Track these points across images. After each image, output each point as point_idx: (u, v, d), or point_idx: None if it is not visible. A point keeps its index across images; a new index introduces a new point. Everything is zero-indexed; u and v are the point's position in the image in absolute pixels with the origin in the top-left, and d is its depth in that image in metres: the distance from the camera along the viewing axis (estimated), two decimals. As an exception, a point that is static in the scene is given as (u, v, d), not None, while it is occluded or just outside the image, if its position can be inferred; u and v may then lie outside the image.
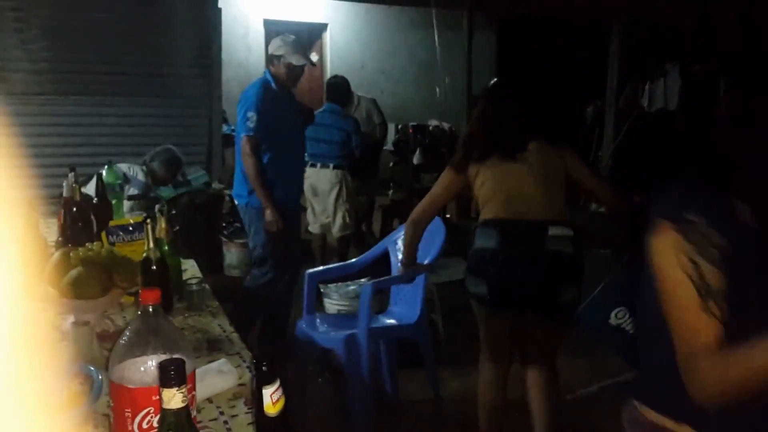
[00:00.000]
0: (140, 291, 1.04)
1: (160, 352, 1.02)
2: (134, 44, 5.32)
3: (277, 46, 3.57)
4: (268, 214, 3.37)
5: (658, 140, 7.40)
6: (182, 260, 2.40)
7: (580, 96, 9.37)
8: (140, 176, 4.24)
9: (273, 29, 8.79)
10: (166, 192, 5.16)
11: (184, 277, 2.36)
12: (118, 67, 5.28)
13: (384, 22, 9.58)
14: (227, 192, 5.67)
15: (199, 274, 2.47)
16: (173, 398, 0.86)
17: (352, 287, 3.50)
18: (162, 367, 0.87)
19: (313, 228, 5.32)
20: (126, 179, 4.14)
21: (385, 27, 9.60)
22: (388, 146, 8.33)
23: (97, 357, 1.73)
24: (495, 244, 2.38)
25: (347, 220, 5.16)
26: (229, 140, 6.76)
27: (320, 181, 5.10)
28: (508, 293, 2.40)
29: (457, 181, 2.54)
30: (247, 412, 1.40)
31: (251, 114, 3.37)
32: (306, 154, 4.49)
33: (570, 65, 9.06)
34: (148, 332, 1.03)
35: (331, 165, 5.06)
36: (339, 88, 5.27)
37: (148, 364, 1.02)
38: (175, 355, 1.02)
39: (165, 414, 0.87)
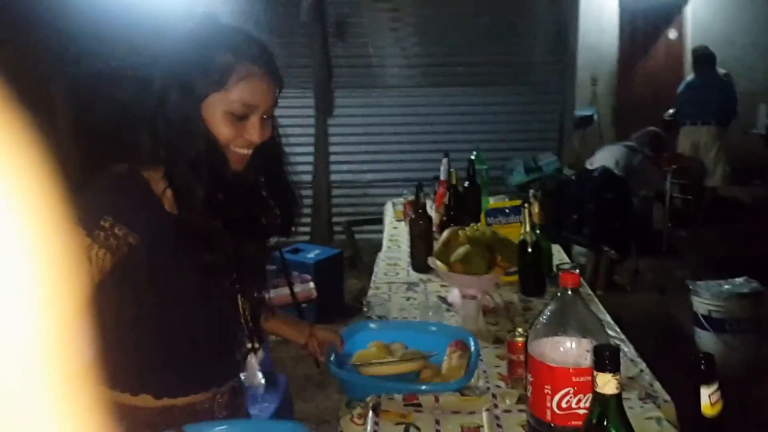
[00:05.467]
0: (560, 273, 1.07)
1: (579, 335, 1.03)
2: (494, 35, 5.55)
3: None
4: None
5: None
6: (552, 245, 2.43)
7: None
8: (644, 161, 4.44)
9: (628, 8, 8.37)
10: (519, 177, 5.31)
11: (554, 261, 2.40)
12: (479, 57, 5.57)
13: (756, -9, 8.40)
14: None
15: (567, 259, 2.48)
16: (607, 383, 0.86)
17: (726, 287, 3.17)
18: (597, 351, 0.87)
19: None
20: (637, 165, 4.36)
21: (757, -4, 8.42)
22: (759, 130, 7.36)
23: (482, 329, 1.85)
24: None
25: (727, 172, 5.91)
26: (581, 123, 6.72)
27: (701, 138, 5.86)
28: None
29: None
30: (642, 406, 1.36)
31: None
32: (684, 114, 5.98)
33: None
34: (567, 314, 1.05)
35: (713, 122, 5.82)
36: (707, 54, 6.05)
37: (567, 345, 1.04)
38: (592, 340, 1.03)
39: (597, 397, 0.88)
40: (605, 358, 0.86)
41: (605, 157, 4.44)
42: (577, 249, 5.15)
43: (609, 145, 4.67)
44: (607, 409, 0.87)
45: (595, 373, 0.87)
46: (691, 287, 3.29)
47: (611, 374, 0.86)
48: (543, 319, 1.08)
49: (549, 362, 1.04)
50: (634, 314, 4.02)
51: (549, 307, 1.08)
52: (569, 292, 1.06)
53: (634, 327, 3.38)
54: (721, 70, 6.44)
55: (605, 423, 0.87)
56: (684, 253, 5.06)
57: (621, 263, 4.53)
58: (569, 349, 1.03)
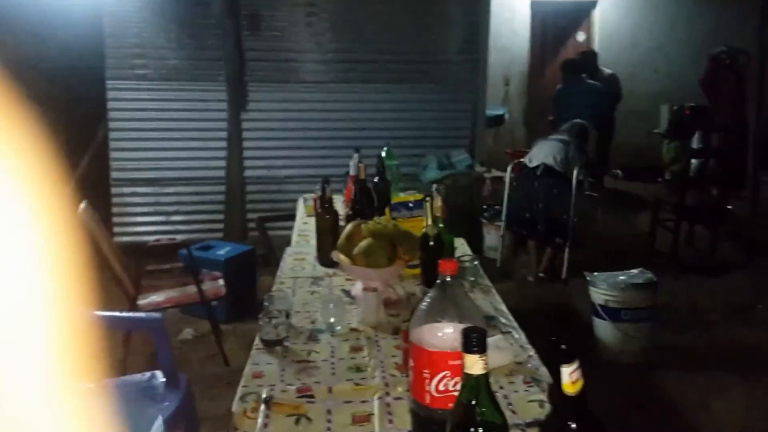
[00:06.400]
0: (439, 262, 1.10)
1: (456, 321, 1.07)
2: (408, 33, 5.61)
3: None
4: None
5: None
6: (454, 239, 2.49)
7: None
8: (576, 152, 4.54)
9: (540, 11, 8.66)
10: (432, 174, 5.39)
11: (456, 254, 2.45)
12: (394, 55, 5.62)
13: (660, -5, 8.86)
14: (488, 175, 5.78)
15: (469, 252, 2.54)
16: (475, 364, 0.90)
17: (621, 277, 3.32)
18: (465, 333, 0.90)
19: None
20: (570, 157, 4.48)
21: (661, 0, 8.87)
22: (660, 130, 7.77)
23: (383, 321, 1.88)
24: None
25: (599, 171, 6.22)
26: (493, 122, 6.92)
27: None
28: None
29: None
30: (526, 390, 1.41)
31: None
32: (563, 119, 5.57)
33: None
34: (446, 301, 1.08)
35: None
36: (573, 62, 6.51)
37: (446, 331, 1.07)
38: (469, 325, 1.06)
39: (467, 378, 0.91)
40: (472, 340, 0.89)
41: (543, 154, 4.53)
42: (488, 243, 5.29)
43: (542, 141, 4.73)
44: (476, 389, 0.91)
45: (463, 354, 0.90)
46: (588, 278, 3.43)
47: (478, 355, 0.89)
48: (423, 306, 1.11)
49: (427, 347, 1.07)
50: (537, 304, 4.17)
51: (429, 295, 1.11)
52: (448, 279, 1.09)
53: (535, 316, 3.52)
54: (606, 71, 7.04)
55: (474, 402, 0.91)
56: (586, 245, 5.28)
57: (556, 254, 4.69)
58: (447, 334, 1.07)
